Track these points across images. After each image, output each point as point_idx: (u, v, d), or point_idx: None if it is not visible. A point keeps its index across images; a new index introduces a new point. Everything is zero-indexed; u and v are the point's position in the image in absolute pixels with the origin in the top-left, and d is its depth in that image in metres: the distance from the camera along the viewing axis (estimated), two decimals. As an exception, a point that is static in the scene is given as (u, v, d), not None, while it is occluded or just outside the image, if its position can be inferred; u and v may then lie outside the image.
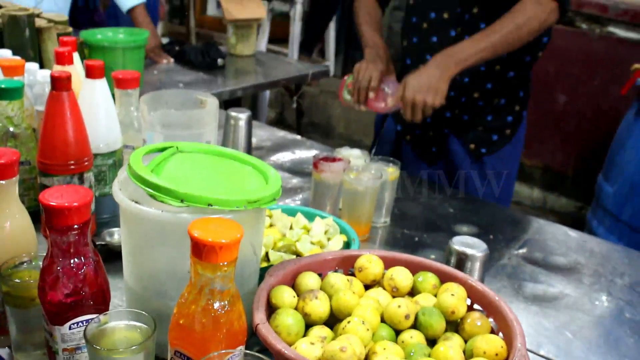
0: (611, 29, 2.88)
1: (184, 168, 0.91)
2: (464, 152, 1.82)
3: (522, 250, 1.38)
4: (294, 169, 1.71)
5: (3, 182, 0.82)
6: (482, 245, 1.07)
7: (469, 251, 1.05)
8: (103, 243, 1.15)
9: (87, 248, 0.75)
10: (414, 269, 0.97)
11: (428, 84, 1.54)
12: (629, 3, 2.88)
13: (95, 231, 1.18)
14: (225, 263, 0.67)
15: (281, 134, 2.01)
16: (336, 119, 4.21)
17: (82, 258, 0.74)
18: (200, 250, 0.66)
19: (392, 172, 1.39)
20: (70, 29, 1.83)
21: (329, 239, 1.13)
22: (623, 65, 2.31)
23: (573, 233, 1.49)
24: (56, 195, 0.71)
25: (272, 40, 4.54)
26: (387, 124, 1.95)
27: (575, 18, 2.96)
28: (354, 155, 1.47)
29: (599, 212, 2.31)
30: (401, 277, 0.94)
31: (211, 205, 0.79)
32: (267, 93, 3.55)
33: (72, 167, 1.07)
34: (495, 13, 1.59)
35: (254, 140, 1.80)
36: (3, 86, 1.09)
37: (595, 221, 2.33)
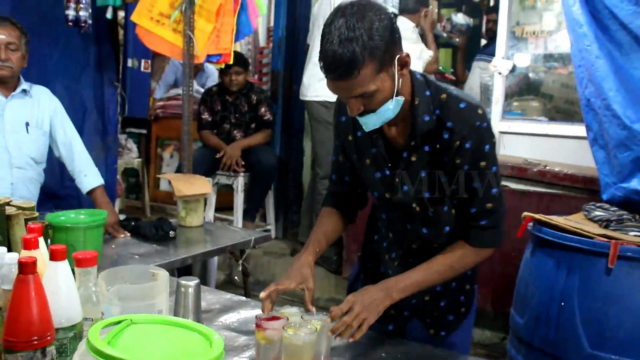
0: (504, 182, 3.14)
1: (138, 339, 0.93)
2: (424, 335, 1.78)
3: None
4: (240, 329, 1.71)
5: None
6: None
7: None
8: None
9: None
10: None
11: (372, 303, 1.51)
12: (512, 162, 3.19)
13: (55, 402, 1.16)
14: None
15: (228, 296, 2.01)
16: (279, 276, 4.21)
17: None
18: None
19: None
20: (36, 214, 1.86)
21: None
22: (517, 213, 2.45)
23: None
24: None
25: (218, 209, 4.65)
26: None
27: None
28: (292, 313, 1.51)
29: (515, 341, 2.37)
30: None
31: (162, 372, 0.81)
32: (215, 259, 3.57)
33: (35, 342, 1.07)
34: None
35: (203, 304, 1.81)
36: (-26, 273, 1.10)
37: (513, 350, 2.39)
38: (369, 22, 1.34)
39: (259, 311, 1.55)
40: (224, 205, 4.72)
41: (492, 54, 4.37)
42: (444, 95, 1.52)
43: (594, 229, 2.22)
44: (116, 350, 0.83)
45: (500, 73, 4.03)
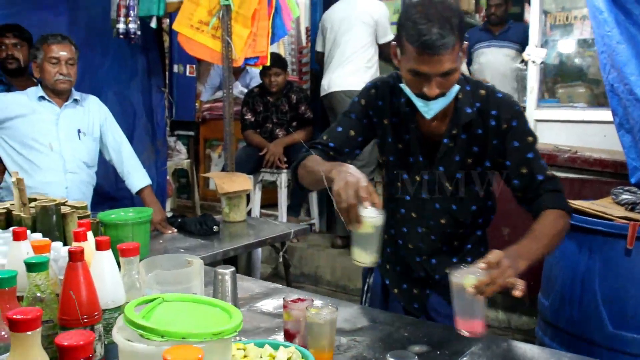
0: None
1: (168, 313, 1.07)
2: (447, 311, 1.75)
3: (464, 359, 1.49)
4: (274, 312, 1.83)
5: (29, 333, 0.98)
6: (413, 357, 1.21)
7: (400, 362, 1.19)
8: (111, 382, 1.27)
9: (92, 379, 0.90)
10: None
11: (513, 265, 1.44)
12: (543, 149, 3.20)
13: (104, 373, 1.31)
14: (191, 378, 0.82)
15: (271, 285, 2.12)
16: (323, 268, 4.37)
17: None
18: (171, 369, 0.82)
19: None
20: (89, 212, 2.05)
21: (291, 363, 1.26)
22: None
23: (519, 344, 1.59)
24: (66, 338, 0.87)
25: (264, 205, 4.81)
26: (375, 277, 2.04)
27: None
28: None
29: (542, 323, 2.43)
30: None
31: (184, 338, 0.95)
32: (259, 251, 3.73)
33: (85, 320, 1.23)
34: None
35: (244, 291, 1.95)
36: (33, 261, 1.27)
37: (540, 332, 2.44)
38: (455, 8, 1.58)
39: (294, 297, 1.63)
40: (270, 202, 4.88)
41: (509, 40, 4.38)
42: (482, 91, 1.73)
43: (617, 211, 2.26)
44: (148, 322, 0.98)
45: (534, 62, 4.04)
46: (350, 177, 1.50)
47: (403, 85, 1.67)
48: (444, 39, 1.50)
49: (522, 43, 4.57)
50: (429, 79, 1.57)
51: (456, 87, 1.62)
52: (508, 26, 5.01)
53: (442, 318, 1.85)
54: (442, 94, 1.60)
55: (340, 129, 1.88)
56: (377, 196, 1.50)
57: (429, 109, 1.63)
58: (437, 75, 1.56)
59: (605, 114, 3.30)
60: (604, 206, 2.37)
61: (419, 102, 1.63)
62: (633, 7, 2.49)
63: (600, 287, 2.12)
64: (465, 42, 1.60)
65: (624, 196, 2.42)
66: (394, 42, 1.69)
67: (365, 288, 2.08)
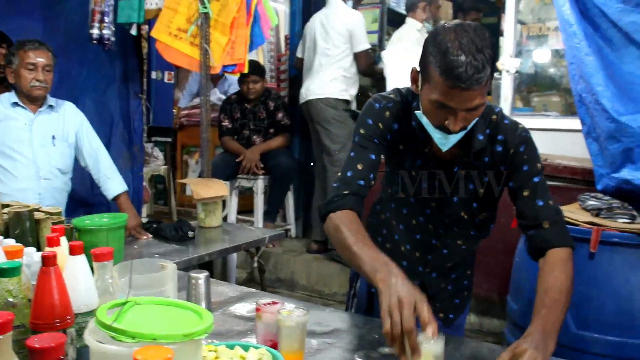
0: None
1: (139, 316, 1.09)
2: (436, 319, 1.78)
3: None
4: (247, 316, 1.85)
5: (0, 337, 0.99)
6: (380, 357, 1.24)
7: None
8: (83, 385, 1.28)
9: (63, 379, 0.91)
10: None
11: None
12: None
13: (76, 377, 1.32)
14: (160, 378, 0.84)
15: (245, 290, 2.14)
16: (298, 273, 4.39)
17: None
18: (140, 369, 0.84)
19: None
20: (63, 218, 2.05)
21: (261, 365, 1.28)
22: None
23: (486, 345, 1.65)
24: (37, 341, 0.89)
25: (241, 211, 4.83)
26: (361, 283, 2.01)
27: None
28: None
29: (510, 326, 2.49)
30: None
31: (155, 340, 0.97)
32: (235, 257, 3.74)
33: (57, 324, 1.24)
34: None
35: (219, 296, 1.97)
36: (5, 267, 1.27)
37: (509, 334, 2.50)
38: (488, 37, 1.42)
39: (267, 301, 1.64)
40: (247, 208, 4.90)
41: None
42: (494, 117, 1.64)
43: (583, 217, 2.32)
44: (120, 324, 0.99)
45: (508, 71, 4.12)
46: (402, 290, 1.30)
47: (419, 114, 1.56)
48: (479, 74, 1.37)
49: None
50: (454, 113, 1.45)
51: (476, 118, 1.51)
52: None
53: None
54: (464, 128, 1.49)
55: (374, 157, 1.68)
56: (434, 319, 1.30)
57: (447, 142, 1.53)
58: (463, 110, 1.45)
59: (577, 123, 3.37)
60: (571, 212, 2.43)
61: (436, 134, 1.53)
62: (601, 20, 2.57)
63: (566, 291, 2.18)
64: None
65: (590, 202, 2.49)
66: (415, 68, 1.56)
67: (352, 293, 2.07)
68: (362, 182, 1.64)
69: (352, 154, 1.70)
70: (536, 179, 1.63)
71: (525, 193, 1.63)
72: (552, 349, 1.40)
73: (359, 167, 1.65)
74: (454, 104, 1.43)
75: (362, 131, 1.69)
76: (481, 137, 1.61)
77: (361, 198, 1.64)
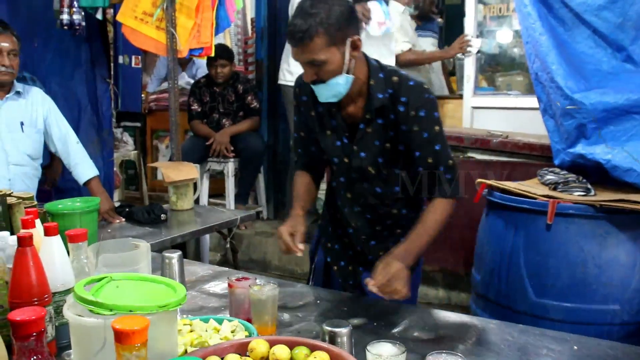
0: (470, 154, 3.33)
1: (115, 290, 1.13)
2: None
3: (398, 329, 1.60)
4: (221, 294, 1.91)
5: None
6: (348, 326, 1.31)
7: (335, 329, 1.29)
8: (62, 361, 1.33)
9: (43, 350, 0.96)
10: (292, 345, 1.19)
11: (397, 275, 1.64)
12: (477, 134, 3.38)
13: (55, 353, 1.37)
14: (138, 345, 0.90)
15: (218, 269, 2.19)
16: (270, 254, 4.45)
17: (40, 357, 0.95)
18: (120, 336, 0.89)
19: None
20: (35, 203, 2.06)
21: (234, 335, 1.34)
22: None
23: (450, 314, 1.73)
24: (18, 314, 0.93)
25: (212, 195, 4.85)
26: (319, 256, 2.16)
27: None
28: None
29: (474, 296, 2.59)
30: (281, 351, 1.16)
31: (132, 311, 1.02)
32: (207, 238, 3.78)
33: (36, 302, 1.28)
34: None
35: (192, 275, 2.02)
36: (-20, 249, 1.31)
37: (473, 305, 2.60)
38: (329, 5, 1.66)
39: (239, 277, 1.71)
40: (218, 192, 4.92)
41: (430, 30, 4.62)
42: (395, 78, 1.79)
43: (542, 191, 2.42)
44: (97, 298, 1.04)
45: (470, 51, 4.20)
46: (288, 221, 1.86)
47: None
48: (302, 34, 1.63)
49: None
50: (304, 67, 1.72)
51: (345, 77, 1.71)
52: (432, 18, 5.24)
53: (373, 294, 1.95)
54: (321, 81, 1.71)
55: (296, 134, 2.05)
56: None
57: (318, 94, 1.77)
58: (305, 64, 1.70)
59: (536, 101, 3.49)
60: (530, 186, 2.53)
61: (312, 87, 1.77)
62: (553, 1, 2.66)
63: (525, 261, 2.29)
64: (354, 36, 1.69)
65: (549, 177, 2.59)
66: None
67: (313, 267, 2.18)
68: (299, 151, 2.06)
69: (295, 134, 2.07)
70: (437, 147, 1.78)
71: (430, 160, 1.79)
72: (410, 262, 1.72)
73: (297, 144, 2.06)
74: (296, 58, 1.72)
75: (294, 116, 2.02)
76: (380, 96, 1.78)
77: (306, 161, 2.06)
